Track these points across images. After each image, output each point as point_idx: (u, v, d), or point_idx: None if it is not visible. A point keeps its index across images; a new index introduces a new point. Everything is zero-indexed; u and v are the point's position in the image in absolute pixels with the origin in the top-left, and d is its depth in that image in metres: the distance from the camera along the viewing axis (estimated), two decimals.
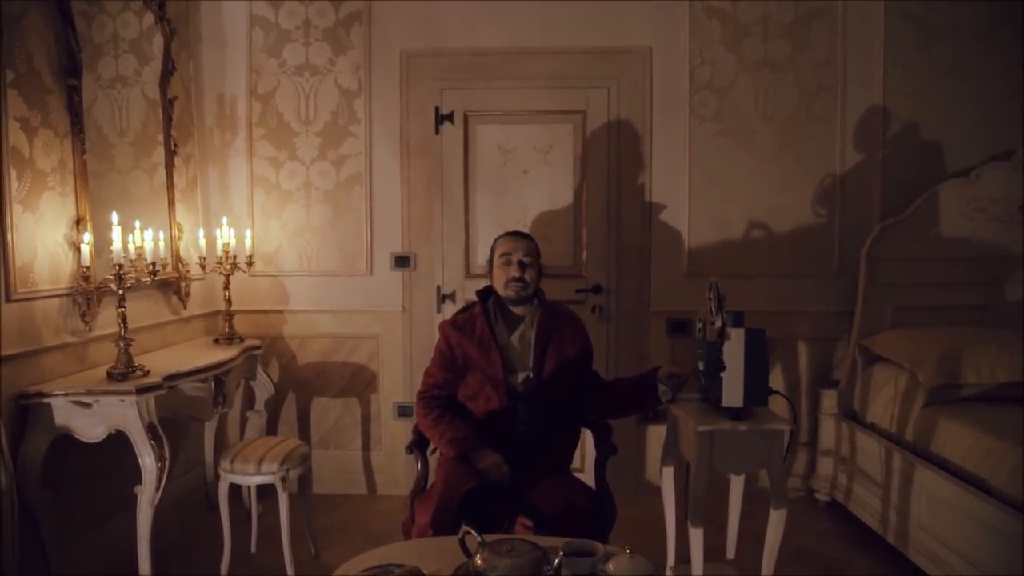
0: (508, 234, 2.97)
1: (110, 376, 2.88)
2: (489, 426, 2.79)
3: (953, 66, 4.09)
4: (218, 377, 3.42)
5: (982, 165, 3.97)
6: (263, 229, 4.31)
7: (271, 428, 4.31)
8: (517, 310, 2.91)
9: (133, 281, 3.06)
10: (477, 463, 2.68)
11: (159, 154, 3.75)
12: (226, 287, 3.93)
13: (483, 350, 2.83)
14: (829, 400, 4.08)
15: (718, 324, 2.72)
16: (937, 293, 3.96)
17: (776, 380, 4.17)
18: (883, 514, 3.47)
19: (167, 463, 2.87)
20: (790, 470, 4.22)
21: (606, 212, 4.22)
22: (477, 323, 2.89)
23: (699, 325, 2.91)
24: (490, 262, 2.97)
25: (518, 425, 2.79)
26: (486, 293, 2.99)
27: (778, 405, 2.98)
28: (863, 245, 4.00)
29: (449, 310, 4.07)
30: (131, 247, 2.99)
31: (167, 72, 3.78)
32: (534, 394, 2.82)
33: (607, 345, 4.21)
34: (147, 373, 2.93)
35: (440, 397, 2.89)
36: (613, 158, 4.21)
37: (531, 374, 2.83)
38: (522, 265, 2.85)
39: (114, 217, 2.89)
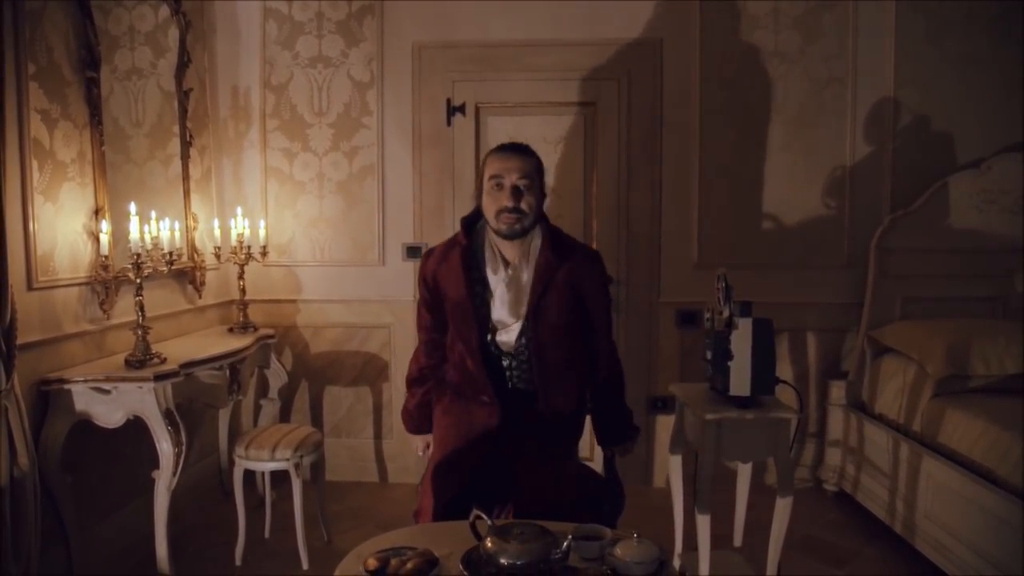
0: (501, 149, 2.40)
1: (128, 363, 2.93)
2: (470, 386, 2.50)
3: (964, 57, 4.08)
4: (233, 365, 3.47)
5: (993, 156, 3.97)
6: (277, 219, 4.35)
7: (284, 416, 4.37)
8: (512, 244, 2.41)
9: (150, 270, 3.12)
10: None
11: (174, 145, 3.80)
12: (240, 277, 3.98)
13: (456, 295, 2.44)
14: (838, 391, 4.09)
15: (726, 314, 2.75)
16: (947, 285, 3.96)
17: (785, 371, 4.19)
18: (890, 504, 3.49)
19: (184, 448, 2.93)
20: (798, 460, 4.25)
21: (616, 203, 4.24)
22: (452, 260, 2.45)
23: (707, 315, 2.93)
24: (479, 183, 2.42)
25: (506, 383, 2.48)
26: (475, 218, 2.49)
27: (786, 395, 3.00)
28: (873, 236, 4.00)
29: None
30: (148, 237, 3.05)
31: (182, 64, 3.83)
32: (528, 350, 2.42)
33: (617, 336, 4.22)
34: (164, 360, 2.98)
35: (441, 344, 2.61)
36: (623, 149, 4.23)
37: (526, 322, 2.40)
38: (517, 192, 2.31)
39: (132, 207, 2.94)
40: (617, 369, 2.64)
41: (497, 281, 2.41)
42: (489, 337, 2.45)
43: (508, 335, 2.44)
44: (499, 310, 2.42)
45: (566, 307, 2.42)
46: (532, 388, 2.47)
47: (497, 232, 2.37)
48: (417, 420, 2.71)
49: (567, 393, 2.51)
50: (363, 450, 4.46)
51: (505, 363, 2.48)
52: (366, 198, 4.34)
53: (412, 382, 2.71)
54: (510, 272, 2.41)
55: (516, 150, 2.39)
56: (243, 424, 4.40)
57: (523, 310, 2.39)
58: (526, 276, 2.41)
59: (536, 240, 2.42)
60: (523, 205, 2.32)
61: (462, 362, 2.50)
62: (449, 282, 2.44)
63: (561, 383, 2.49)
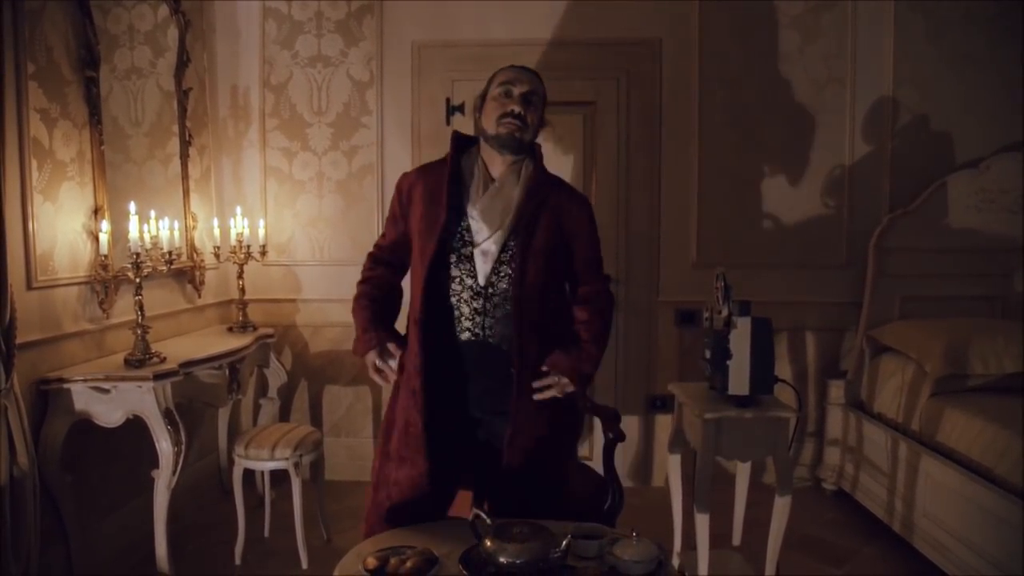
0: (513, 66, 2.33)
1: (127, 363, 2.93)
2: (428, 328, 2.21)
3: (963, 57, 4.08)
4: (232, 364, 3.48)
5: (991, 156, 3.98)
6: (276, 219, 4.35)
7: (284, 415, 4.37)
8: (503, 161, 2.26)
9: (149, 270, 3.13)
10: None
11: (174, 144, 3.80)
12: (240, 276, 3.99)
13: (431, 208, 2.23)
14: (836, 390, 4.10)
15: (725, 313, 2.75)
16: (945, 284, 3.97)
17: (784, 370, 4.19)
18: (889, 503, 3.50)
19: (183, 448, 2.93)
20: (797, 459, 4.25)
21: (615, 202, 4.25)
22: (435, 172, 2.30)
23: (706, 315, 2.94)
24: (482, 96, 2.33)
25: (472, 329, 2.21)
26: (465, 140, 2.37)
27: (785, 395, 3.01)
28: (871, 236, 4.01)
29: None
30: (147, 236, 3.05)
31: (182, 64, 3.83)
32: (514, 280, 2.18)
33: (616, 335, 4.24)
34: (163, 360, 2.98)
35: (390, 262, 2.40)
36: (622, 149, 4.23)
37: (509, 240, 2.20)
38: (526, 100, 2.23)
39: (132, 207, 2.94)
40: (608, 315, 2.36)
41: (480, 195, 2.24)
42: (453, 259, 2.21)
43: (487, 248, 2.20)
44: (478, 222, 2.21)
45: (553, 239, 2.24)
46: (501, 341, 2.21)
47: (495, 138, 2.22)
48: (362, 335, 2.30)
49: (542, 345, 2.23)
50: (362, 449, 4.45)
51: (477, 305, 2.20)
52: (365, 197, 4.34)
53: (354, 301, 2.37)
54: (496, 185, 2.24)
55: (529, 70, 2.32)
56: (242, 423, 4.40)
57: (508, 221, 2.19)
58: (516, 193, 2.23)
59: (529, 166, 2.28)
60: (528, 116, 2.23)
61: (414, 287, 2.24)
62: (425, 192, 2.26)
63: (537, 329, 2.22)
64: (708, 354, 2.88)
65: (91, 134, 3.12)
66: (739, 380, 2.73)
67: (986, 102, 4.08)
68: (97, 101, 3.13)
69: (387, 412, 2.37)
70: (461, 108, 4.23)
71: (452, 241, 2.21)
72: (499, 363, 2.21)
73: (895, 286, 4.00)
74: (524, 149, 2.25)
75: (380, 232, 2.58)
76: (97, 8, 3.13)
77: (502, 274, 2.20)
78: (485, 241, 2.20)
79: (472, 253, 2.20)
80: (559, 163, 4.25)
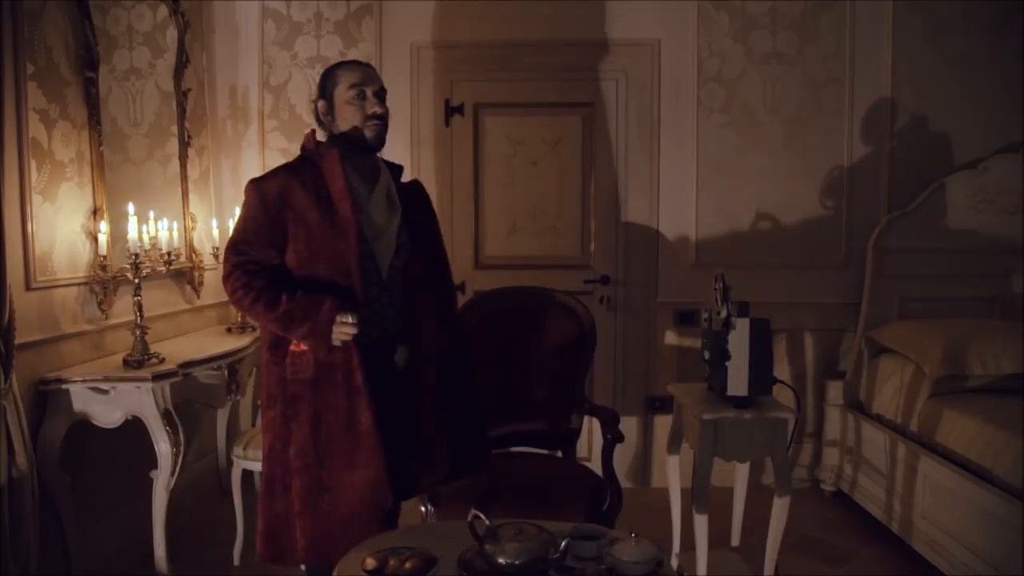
0: (351, 62, 2.37)
1: (126, 363, 2.94)
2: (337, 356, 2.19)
3: (962, 58, 4.08)
4: (231, 365, 3.47)
5: (990, 157, 3.98)
6: None
7: None
8: (367, 158, 2.31)
9: (148, 270, 3.13)
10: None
11: (173, 145, 3.80)
12: None
13: (325, 210, 2.16)
14: (835, 391, 4.10)
15: (723, 314, 2.75)
16: (944, 285, 3.97)
17: (783, 371, 4.19)
18: (888, 504, 3.50)
19: (182, 448, 2.94)
20: (795, 460, 4.25)
21: (614, 203, 4.25)
22: (300, 170, 2.23)
23: (705, 315, 2.94)
24: (327, 97, 2.29)
25: (385, 325, 2.26)
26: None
27: (784, 395, 3.01)
28: (870, 237, 4.01)
29: (458, 301, 4.09)
30: (146, 237, 3.05)
31: (181, 64, 3.83)
32: (412, 269, 2.29)
33: (615, 335, 4.25)
34: (162, 360, 2.98)
35: (266, 271, 2.22)
36: (621, 150, 4.23)
37: (401, 230, 2.28)
38: (380, 98, 2.29)
39: (130, 208, 2.95)
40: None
41: (368, 192, 2.26)
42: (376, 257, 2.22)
43: (389, 241, 2.25)
44: (371, 217, 2.23)
45: (427, 224, 2.40)
46: (399, 331, 2.28)
47: (364, 140, 2.27)
48: (313, 309, 2.13)
49: (435, 331, 2.33)
50: None
51: (384, 299, 2.25)
52: None
53: (258, 292, 2.17)
54: (381, 181, 2.30)
55: (369, 64, 2.39)
56: (241, 424, 4.39)
57: (397, 214, 2.28)
58: (391, 186, 2.33)
59: (381, 160, 2.38)
60: (387, 114, 2.31)
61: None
62: (311, 193, 2.18)
63: (429, 320, 2.32)
64: (707, 355, 2.88)
65: (90, 135, 3.12)
66: (738, 381, 2.73)
67: (985, 102, 4.08)
68: (96, 102, 3.13)
69: (289, 419, 2.25)
70: (460, 109, 4.23)
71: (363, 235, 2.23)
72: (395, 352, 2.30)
73: (894, 287, 4.00)
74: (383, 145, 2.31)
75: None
76: (96, 9, 3.13)
77: (398, 265, 2.28)
78: (384, 235, 2.25)
79: (371, 250, 2.23)
80: (559, 165, 4.25)
